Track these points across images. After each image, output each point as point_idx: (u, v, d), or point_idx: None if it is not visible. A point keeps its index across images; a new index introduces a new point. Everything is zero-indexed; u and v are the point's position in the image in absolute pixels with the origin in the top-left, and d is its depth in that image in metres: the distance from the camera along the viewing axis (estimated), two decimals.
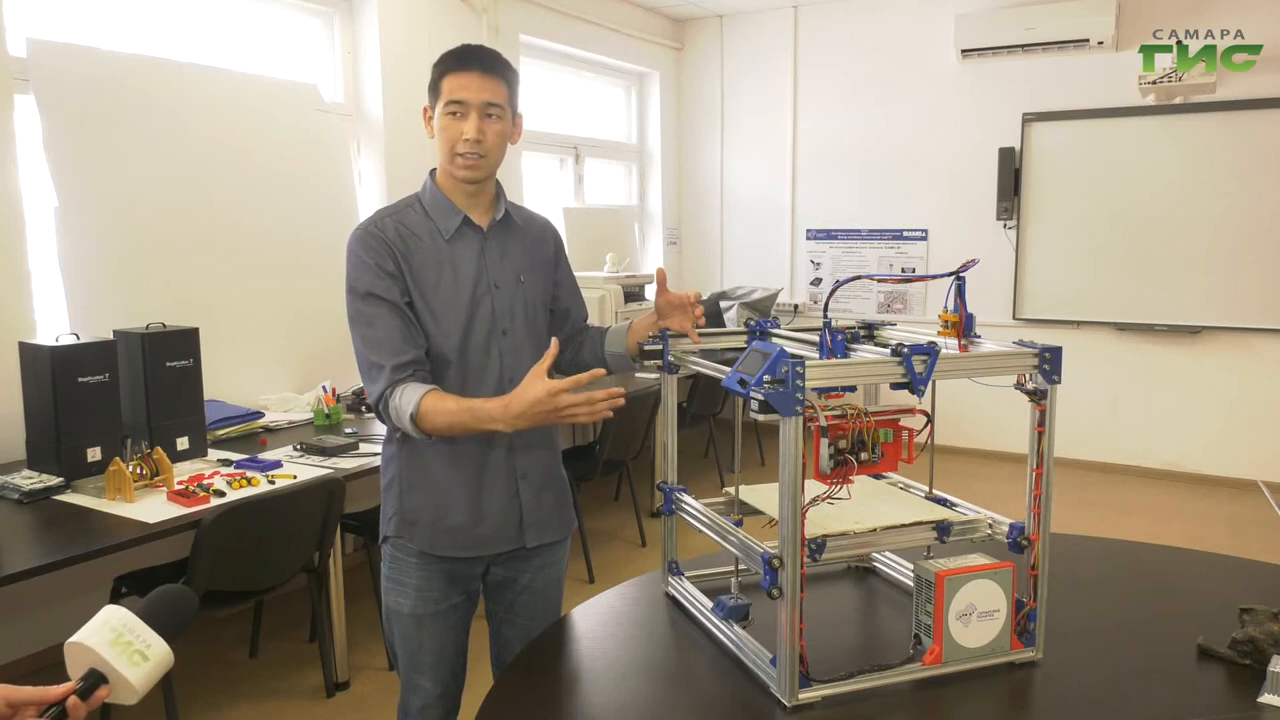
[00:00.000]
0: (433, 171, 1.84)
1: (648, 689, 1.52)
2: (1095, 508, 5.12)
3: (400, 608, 1.84)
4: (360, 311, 1.73)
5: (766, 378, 1.29)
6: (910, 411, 1.49)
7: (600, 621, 1.76)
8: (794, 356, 1.30)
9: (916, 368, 1.35)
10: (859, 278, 1.94)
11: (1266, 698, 1.37)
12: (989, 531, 1.54)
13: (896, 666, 1.43)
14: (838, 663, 1.43)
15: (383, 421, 1.74)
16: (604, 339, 1.96)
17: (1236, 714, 1.36)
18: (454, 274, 1.77)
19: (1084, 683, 1.46)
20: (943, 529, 1.51)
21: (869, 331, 1.72)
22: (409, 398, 1.65)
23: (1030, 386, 1.45)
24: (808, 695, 1.37)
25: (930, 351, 1.36)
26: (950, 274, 1.49)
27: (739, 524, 1.59)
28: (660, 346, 1.76)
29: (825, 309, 1.57)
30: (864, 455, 1.44)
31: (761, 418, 1.31)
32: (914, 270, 6.24)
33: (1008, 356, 1.46)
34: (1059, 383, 1.44)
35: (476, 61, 1.74)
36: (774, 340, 1.70)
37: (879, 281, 6.61)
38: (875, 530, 1.49)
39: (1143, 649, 1.59)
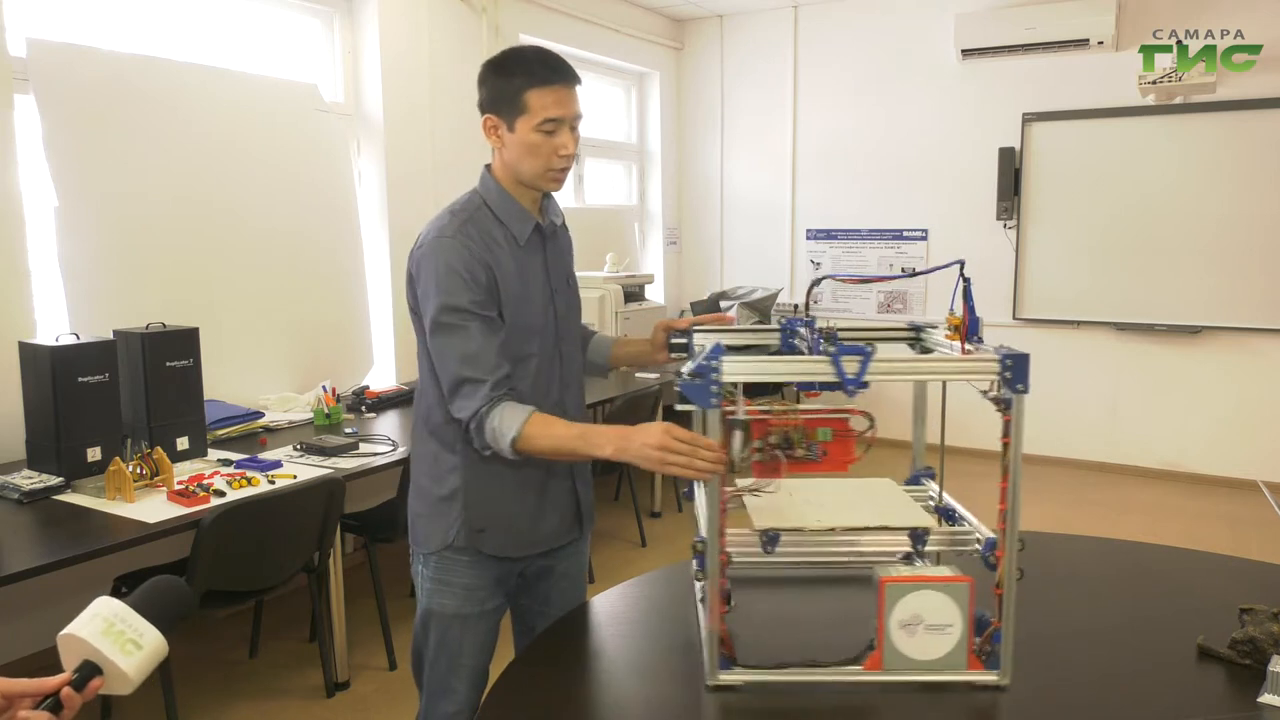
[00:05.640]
0: (487, 166, 1.78)
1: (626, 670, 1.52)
2: (1095, 507, 5.11)
3: (444, 609, 1.80)
4: (452, 324, 1.65)
5: (689, 370, 1.34)
6: (851, 412, 1.45)
7: (614, 613, 1.78)
8: (729, 349, 1.35)
9: (847, 369, 1.34)
10: (828, 278, 1.97)
11: (1266, 698, 1.37)
12: (978, 547, 1.49)
13: (832, 665, 1.42)
14: (792, 657, 1.43)
15: (471, 437, 1.66)
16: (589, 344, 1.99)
17: (1236, 714, 1.36)
18: (532, 280, 1.75)
19: (1083, 682, 1.46)
20: (918, 536, 1.48)
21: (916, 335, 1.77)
22: (511, 420, 1.60)
23: (992, 395, 1.39)
24: (728, 677, 1.40)
25: (864, 353, 1.34)
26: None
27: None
28: (686, 340, 1.80)
29: (806, 307, 1.63)
30: (800, 452, 1.44)
31: (679, 407, 1.37)
32: (914, 270, 6.24)
33: (962, 361, 1.42)
34: (1025, 392, 1.36)
35: (564, 75, 1.68)
36: (797, 341, 1.68)
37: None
38: (834, 530, 1.48)
39: (1143, 649, 1.59)
